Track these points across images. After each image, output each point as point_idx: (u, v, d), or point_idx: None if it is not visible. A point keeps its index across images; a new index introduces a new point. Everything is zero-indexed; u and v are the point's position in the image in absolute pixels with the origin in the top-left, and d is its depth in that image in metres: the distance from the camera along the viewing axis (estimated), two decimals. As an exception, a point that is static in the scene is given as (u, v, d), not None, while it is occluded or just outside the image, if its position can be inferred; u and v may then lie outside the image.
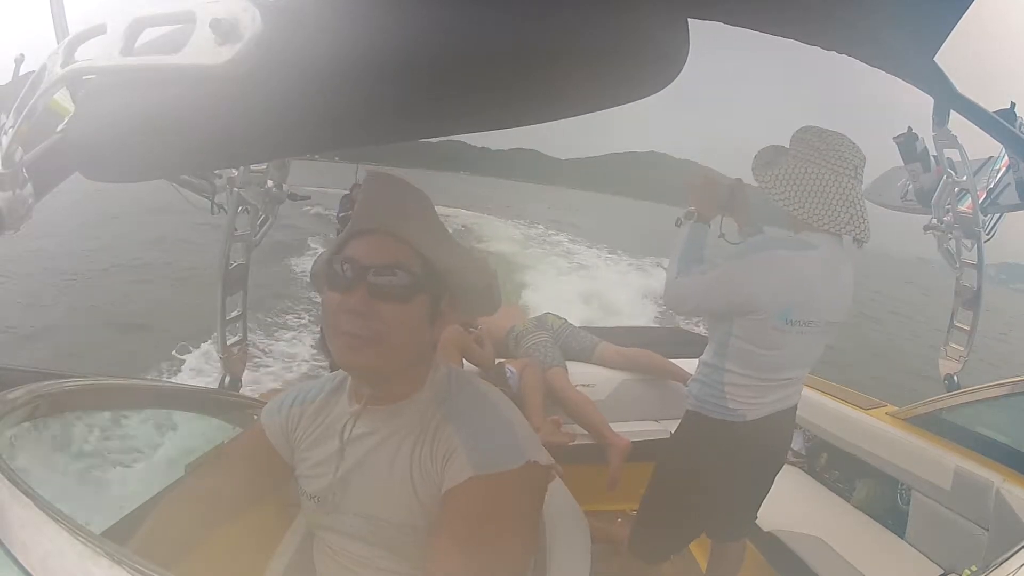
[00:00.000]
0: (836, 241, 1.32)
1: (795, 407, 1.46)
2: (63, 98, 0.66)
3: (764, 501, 1.54)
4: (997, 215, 1.86)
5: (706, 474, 1.41)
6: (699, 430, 1.43)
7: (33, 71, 0.57)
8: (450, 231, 0.83)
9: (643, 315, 9.34)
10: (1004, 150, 1.77)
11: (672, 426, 1.58)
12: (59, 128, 0.72)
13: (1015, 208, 1.80)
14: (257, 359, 5.58)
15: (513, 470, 0.71)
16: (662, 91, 0.46)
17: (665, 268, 1.47)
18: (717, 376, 1.38)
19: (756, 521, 1.64)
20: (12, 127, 0.60)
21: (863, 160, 1.31)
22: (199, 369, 5.33)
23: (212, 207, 1.59)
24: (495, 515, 0.70)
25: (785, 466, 2.28)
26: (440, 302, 0.79)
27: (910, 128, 1.82)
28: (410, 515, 0.77)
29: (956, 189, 1.79)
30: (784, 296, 1.28)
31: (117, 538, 0.87)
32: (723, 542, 1.64)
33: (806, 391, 2.27)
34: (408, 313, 0.74)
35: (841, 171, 1.28)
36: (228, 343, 1.73)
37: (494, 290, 0.84)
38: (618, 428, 2.21)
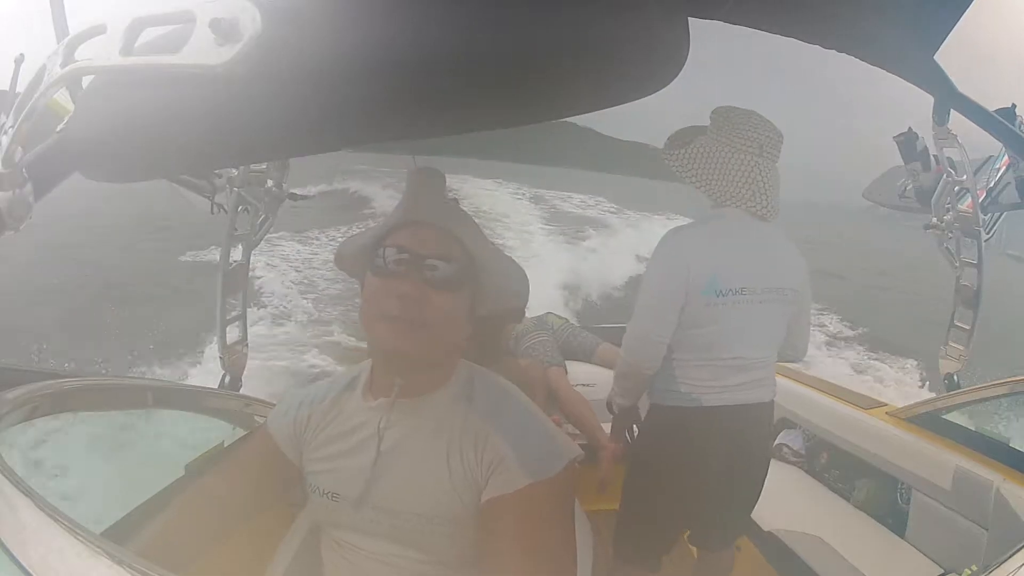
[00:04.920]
0: (749, 213, 1.34)
1: (768, 404, 1.42)
2: (63, 98, 0.66)
3: (760, 502, 1.52)
4: (997, 214, 1.85)
5: (670, 466, 1.39)
6: (658, 420, 1.43)
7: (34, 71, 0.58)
8: None
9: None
10: (1004, 149, 1.77)
11: None
12: (59, 128, 0.72)
13: (1015, 207, 1.79)
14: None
15: (561, 470, 0.76)
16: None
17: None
18: (668, 363, 1.37)
19: (747, 530, 1.62)
20: (12, 127, 0.60)
21: (772, 138, 1.32)
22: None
23: (212, 207, 1.59)
24: (552, 516, 0.74)
25: (785, 466, 2.31)
26: (478, 298, 0.82)
27: (910, 128, 1.82)
28: (442, 507, 0.78)
29: (956, 188, 1.79)
30: (704, 265, 1.29)
31: (117, 538, 0.87)
32: (707, 551, 1.61)
33: (806, 391, 2.29)
34: (456, 302, 0.78)
35: (743, 148, 1.31)
36: (228, 343, 1.73)
37: (523, 295, 0.87)
38: (618, 428, 2.21)
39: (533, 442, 0.78)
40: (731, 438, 1.37)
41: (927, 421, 1.84)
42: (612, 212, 15.65)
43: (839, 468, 2.17)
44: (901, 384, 6.82)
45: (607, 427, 2.18)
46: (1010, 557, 0.73)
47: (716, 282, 1.29)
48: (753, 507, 1.53)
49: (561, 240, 11.96)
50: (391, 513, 0.80)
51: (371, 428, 0.82)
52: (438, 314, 0.75)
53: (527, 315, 2.72)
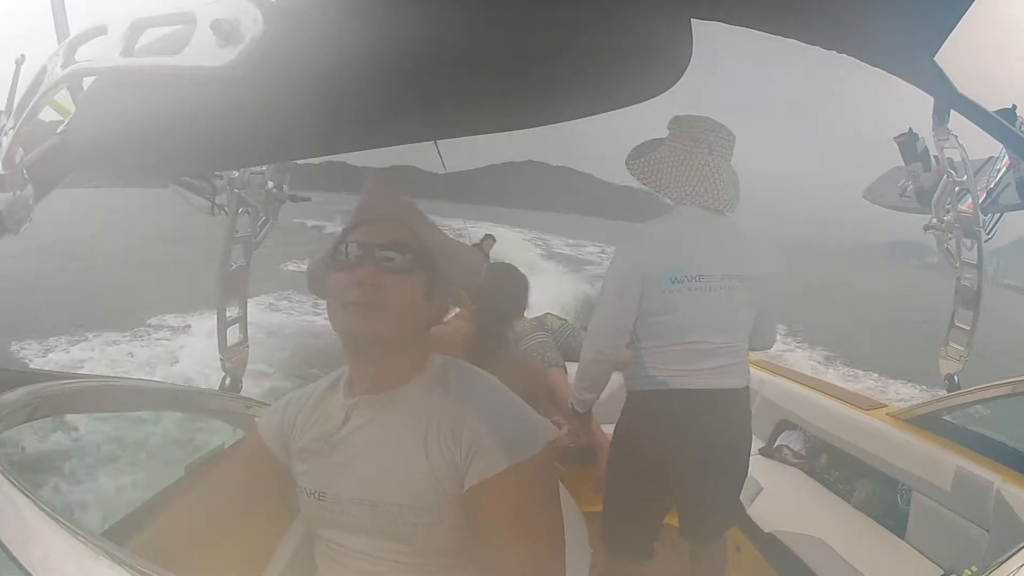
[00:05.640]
0: (703, 208, 1.42)
1: (740, 391, 1.46)
2: (63, 99, 0.66)
3: (760, 503, 1.53)
4: (997, 215, 1.86)
5: (644, 449, 1.44)
6: (632, 406, 1.50)
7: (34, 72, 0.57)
8: None
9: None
10: (1004, 150, 1.77)
11: None
12: (59, 129, 0.72)
13: (1015, 208, 1.80)
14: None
15: (541, 450, 0.78)
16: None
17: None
18: (638, 351, 1.44)
19: (736, 522, 1.62)
20: (13, 128, 0.60)
21: (723, 138, 1.42)
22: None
23: (212, 208, 1.59)
24: (536, 496, 0.77)
25: (785, 467, 2.31)
26: (435, 280, 0.86)
27: (910, 128, 1.82)
28: (422, 496, 0.79)
29: (956, 189, 1.79)
30: (659, 255, 1.38)
31: (117, 538, 0.87)
32: (697, 543, 1.63)
33: (806, 392, 2.28)
34: (410, 284, 0.81)
35: (693, 148, 1.41)
36: (228, 344, 1.73)
37: (479, 271, 0.95)
38: (618, 429, 2.20)
39: (512, 425, 0.81)
40: (702, 422, 1.41)
41: (927, 422, 1.84)
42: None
43: (839, 469, 2.17)
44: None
45: (608, 429, 2.18)
46: (1010, 557, 0.73)
47: (670, 270, 1.37)
48: (736, 497, 1.56)
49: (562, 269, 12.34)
50: (373, 505, 0.81)
51: (351, 422, 0.84)
52: (395, 296, 0.79)
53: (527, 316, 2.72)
